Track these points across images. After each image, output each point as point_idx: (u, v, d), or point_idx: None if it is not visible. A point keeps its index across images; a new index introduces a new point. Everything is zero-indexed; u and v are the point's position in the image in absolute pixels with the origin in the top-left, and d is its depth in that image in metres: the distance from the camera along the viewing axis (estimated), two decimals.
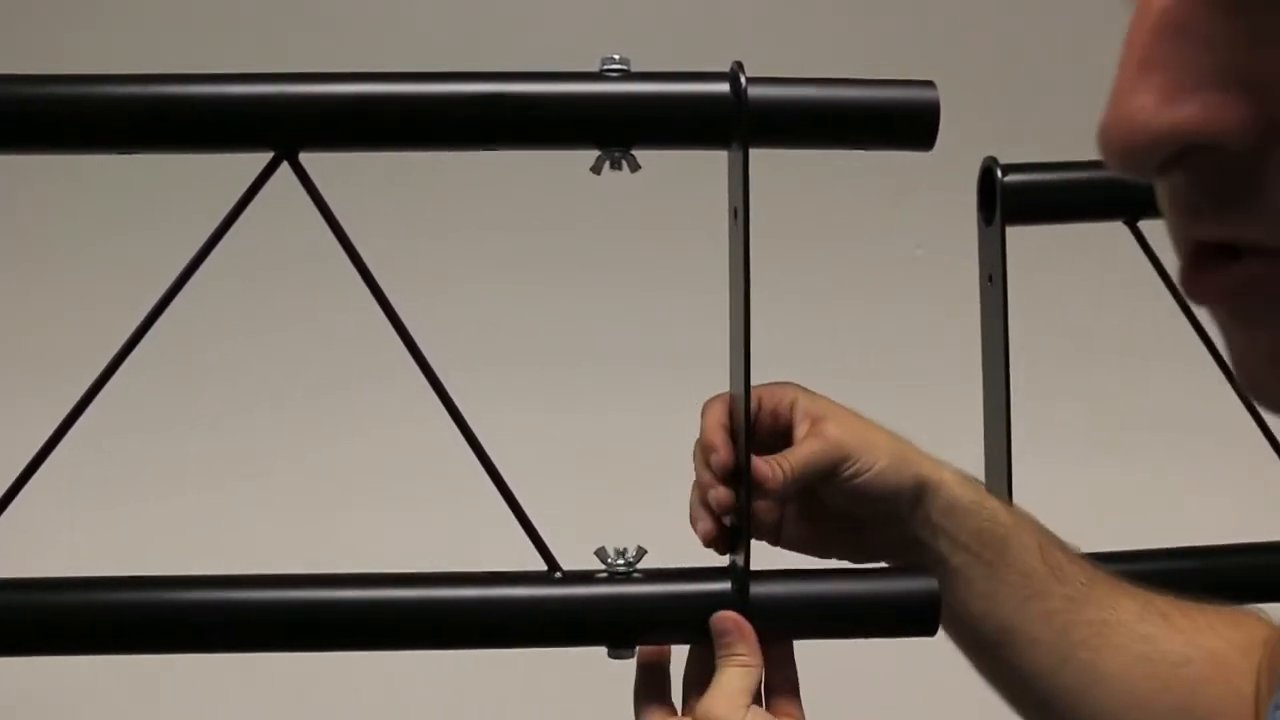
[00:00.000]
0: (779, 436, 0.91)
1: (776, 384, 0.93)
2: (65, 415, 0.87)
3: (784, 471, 0.87)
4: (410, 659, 1.48)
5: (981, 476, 1.04)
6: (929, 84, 0.87)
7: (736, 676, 0.85)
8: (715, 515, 0.90)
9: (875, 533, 0.92)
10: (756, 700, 0.86)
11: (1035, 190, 1.07)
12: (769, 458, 0.88)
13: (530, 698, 1.58)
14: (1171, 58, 0.39)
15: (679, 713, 0.88)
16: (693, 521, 0.92)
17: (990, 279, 1.07)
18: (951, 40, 1.87)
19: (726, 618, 0.87)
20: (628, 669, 0.90)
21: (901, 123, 0.88)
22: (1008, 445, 1.04)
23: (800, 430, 0.90)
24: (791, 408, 0.91)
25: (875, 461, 0.88)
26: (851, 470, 0.88)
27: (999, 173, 1.05)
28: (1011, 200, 1.05)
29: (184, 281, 0.87)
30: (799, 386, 0.93)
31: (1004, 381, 1.05)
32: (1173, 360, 1.26)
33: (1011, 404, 1.05)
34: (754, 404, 0.89)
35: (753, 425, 0.89)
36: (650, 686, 0.90)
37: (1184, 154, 0.40)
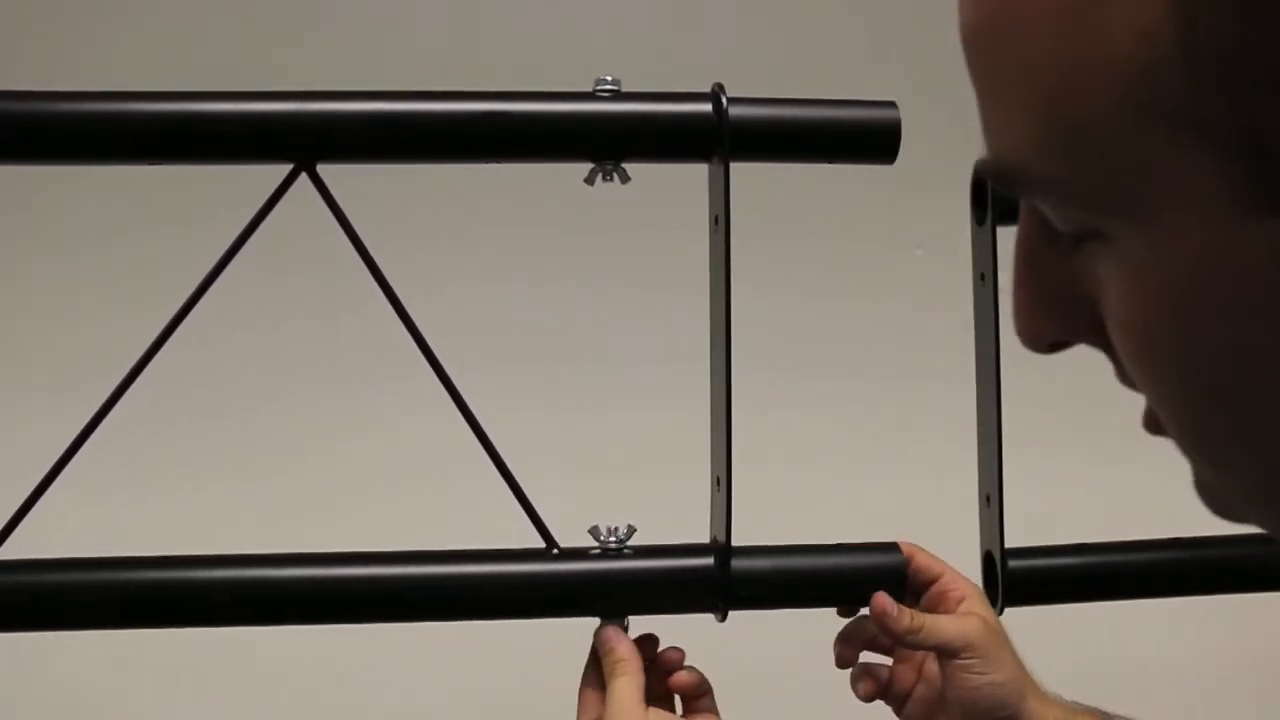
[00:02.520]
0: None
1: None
2: (94, 413, 0.92)
3: (908, 621, 0.96)
4: (410, 664, 1.47)
5: (974, 473, 1.08)
6: (891, 104, 0.94)
7: (626, 685, 0.93)
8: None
9: None
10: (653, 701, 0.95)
11: None
12: (906, 608, 0.98)
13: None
14: (1029, 283, 0.51)
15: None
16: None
17: (982, 278, 1.09)
18: (952, 42, 1.87)
19: (606, 632, 0.96)
20: None
21: (867, 139, 0.94)
22: (999, 442, 1.06)
23: (951, 604, 0.99)
24: (939, 579, 1.00)
25: (993, 671, 0.96)
26: (970, 663, 0.96)
27: None
28: (1003, 201, 1.06)
29: (209, 284, 0.93)
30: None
31: (995, 380, 1.08)
32: None
33: (1003, 401, 1.07)
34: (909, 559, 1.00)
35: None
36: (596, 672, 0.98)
37: (1058, 345, 0.52)
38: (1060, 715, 0.97)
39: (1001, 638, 0.98)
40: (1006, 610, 1.04)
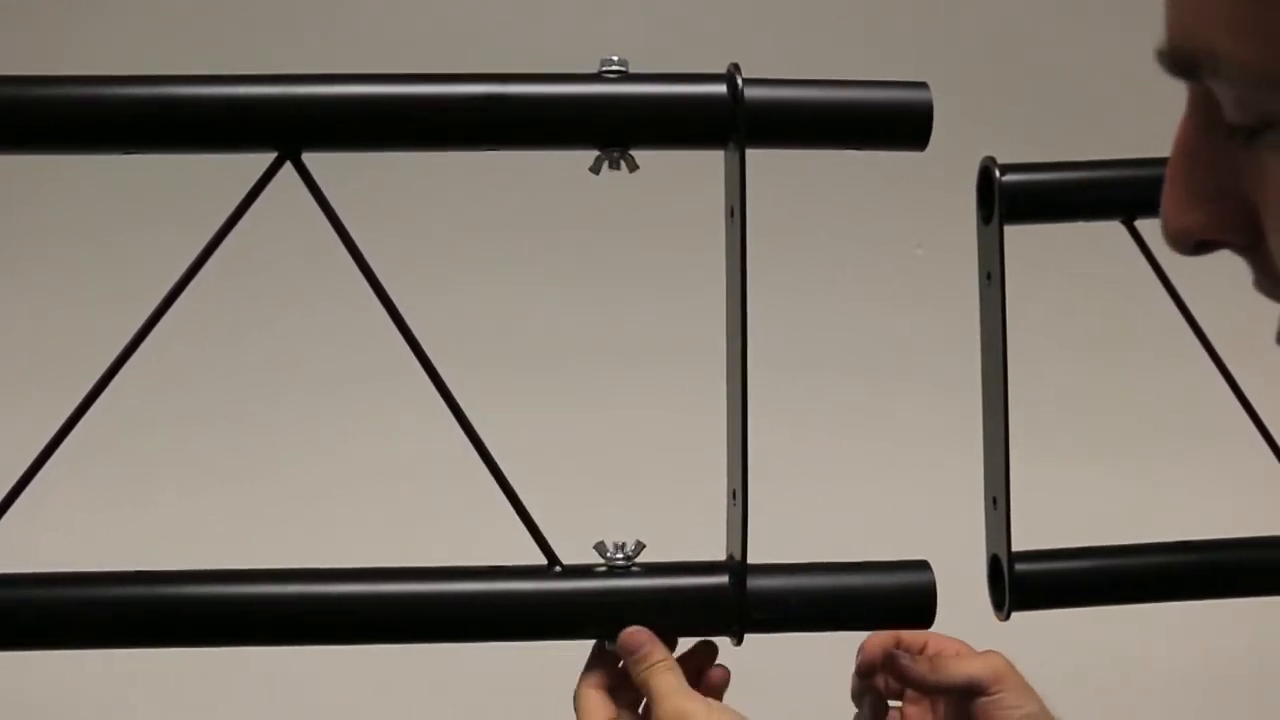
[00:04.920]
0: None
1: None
2: (69, 414, 0.88)
3: (926, 665, 0.97)
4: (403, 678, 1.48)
5: (977, 475, 1.07)
6: (922, 85, 0.89)
7: (673, 676, 0.88)
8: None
9: None
10: None
11: (1033, 189, 1.08)
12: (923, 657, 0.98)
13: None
14: (1185, 175, 0.50)
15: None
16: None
17: (989, 277, 1.09)
18: (952, 40, 1.87)
19: (634, 634, 0.89)
20: None
21: (896, 123, 0.89)
22: (1005, 443, 1.05)
23: (975, 649, 0.99)
24: (926, 644, 1.00)
25: (1025, 703, 0.96)
26: (1001, 696, 0.95)
27: (997, 172, 1.06)
28: (1009, 199, 1.06)
29: (189, 279, 0.89)
30: None
31: (1002, 379, 1.07)
32: (1168, 358, 1.27)
33: (1010, 402, 1.06)
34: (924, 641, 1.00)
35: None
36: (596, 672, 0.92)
37: (1203, 246, 0.50)
38: None
39: (1020, 673, 0.98)
40: (1012, 616, 1.03)
